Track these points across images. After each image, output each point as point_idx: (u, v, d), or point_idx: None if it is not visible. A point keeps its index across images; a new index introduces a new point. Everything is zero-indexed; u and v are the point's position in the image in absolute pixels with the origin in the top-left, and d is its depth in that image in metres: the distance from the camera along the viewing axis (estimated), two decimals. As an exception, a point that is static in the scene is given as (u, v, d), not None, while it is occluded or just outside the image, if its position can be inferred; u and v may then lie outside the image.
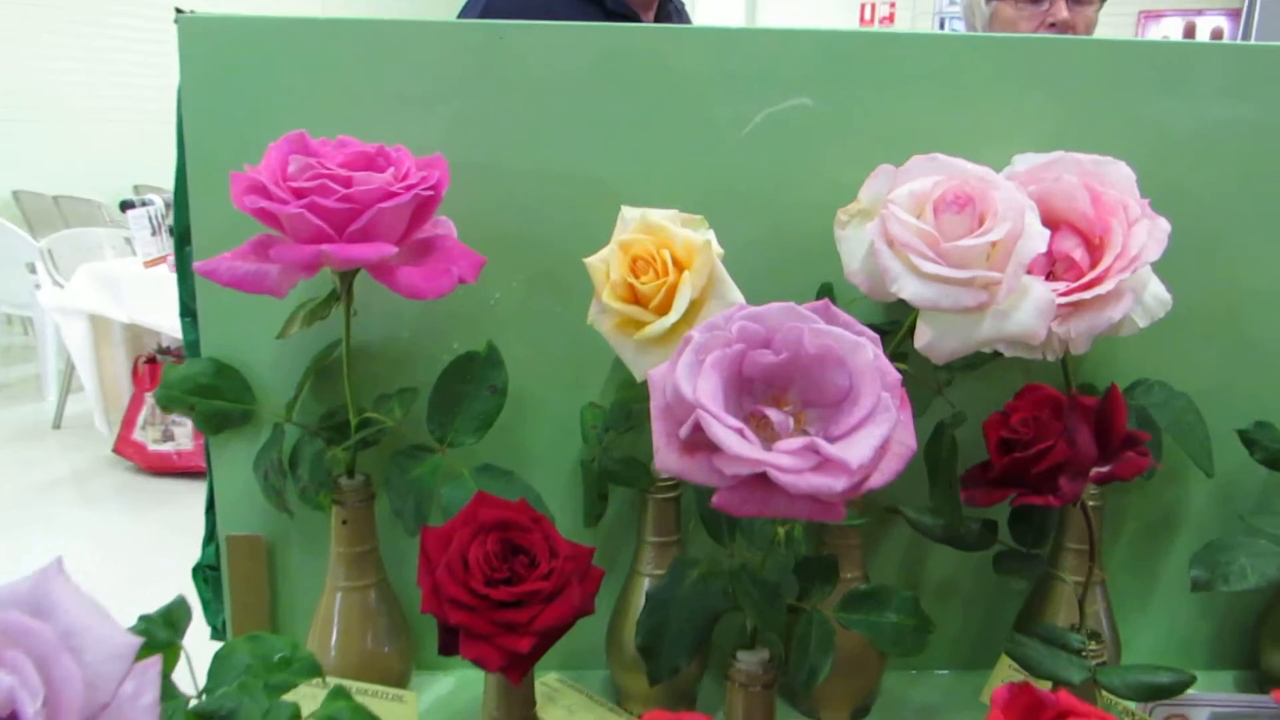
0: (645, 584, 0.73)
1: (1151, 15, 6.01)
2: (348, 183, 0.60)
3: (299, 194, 0.60)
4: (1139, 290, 0.69)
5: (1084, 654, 0.65)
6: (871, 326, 0.78)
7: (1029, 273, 0.69)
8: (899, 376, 0.52)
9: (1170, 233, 0.67)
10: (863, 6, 6.66)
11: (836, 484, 0.49)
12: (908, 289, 0.61)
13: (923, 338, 0.64)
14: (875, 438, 0.51)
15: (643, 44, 0.74)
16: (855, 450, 0.50)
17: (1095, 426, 0.62)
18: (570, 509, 0.77)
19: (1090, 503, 0.77)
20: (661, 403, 0.53)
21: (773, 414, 0.53)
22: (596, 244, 0.67)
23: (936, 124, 0.76)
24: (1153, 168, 0.70)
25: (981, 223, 0.62)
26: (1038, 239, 0.62)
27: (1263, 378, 0.80)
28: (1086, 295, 0.66)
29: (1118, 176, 0.69)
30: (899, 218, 0.62)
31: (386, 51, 0.73)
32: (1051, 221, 0.71)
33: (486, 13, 1.41)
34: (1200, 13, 5.61)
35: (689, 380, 0.52)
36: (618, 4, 1.39)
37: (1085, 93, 0.76)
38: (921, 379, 0.72)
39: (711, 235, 0.64)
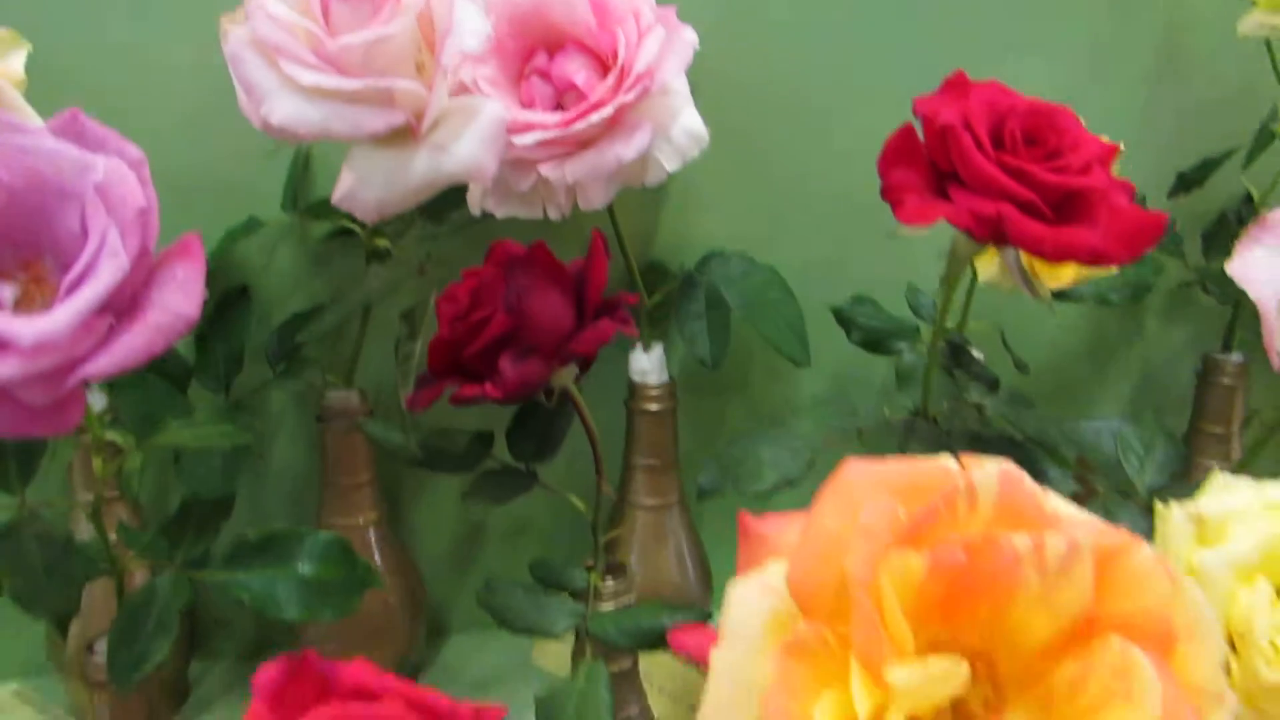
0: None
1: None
2: None
3: None
4: (664, 122, 0.53)
5: (601, 595, 0.49)
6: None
7: (530, 107, 0.53)
8: (144, 204, 0.34)
9: (694, 46, 0.51)
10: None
11: (-5, 371, 0.31)
12: (281, 109, 0.43)
13: (341, 186, 0.46)
14: (84, 300, 0.32)
15: None
16: (43, 320, 0.32)
17: (575, 294, 0.46)
18: None
19: (653, 406, 0.62)
20: None
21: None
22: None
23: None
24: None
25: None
26: (470, 34, 0.45)
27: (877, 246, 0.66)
28: (580, 125, 0.50)
29: (634, -25, 0.53)
30: (268, 11, 0.43)
31: None
32: (555, 40, 0.54)
33: None
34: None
35: None
36: None
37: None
38: (398, 254, 0.55)
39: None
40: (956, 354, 0.62)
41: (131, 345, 0.34)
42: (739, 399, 0.68)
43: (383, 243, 0.55)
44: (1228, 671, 0.31)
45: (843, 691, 0.25)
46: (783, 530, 0.30)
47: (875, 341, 0.62)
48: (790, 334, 0.60)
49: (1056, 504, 0.28)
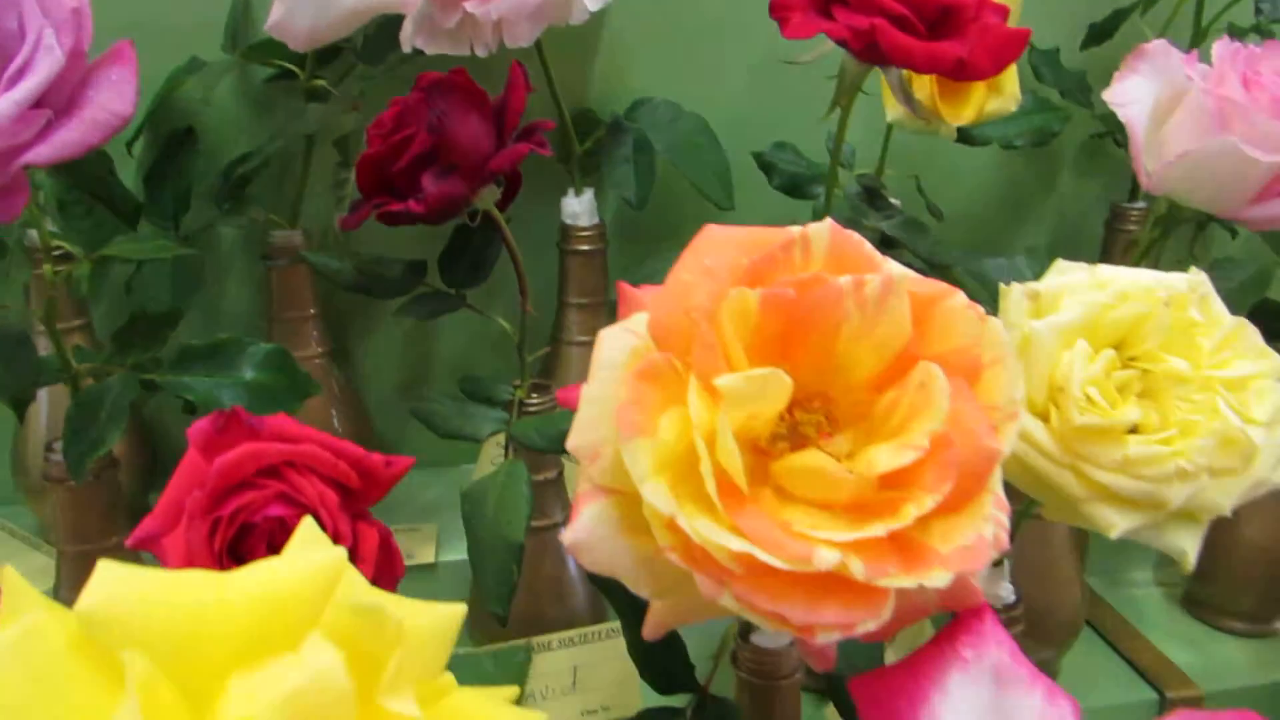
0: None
1: None
2: None
3: None
4: (587, -37, 0.55)
5: (526, 408, 0.53)
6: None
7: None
8: (76, 5, 0.37)
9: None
10: None
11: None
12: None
13: (274, 14, 0.49)
14: (23, 91, 0.35)
15: None
16: (-17, 108, 0.35)
17: (495, 120, 0.49)
18: None
19: (583, 247, 0.65)
20: None
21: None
22: None
23: None
24: None
25: None
26: None
27: (797, 98, 0.69)
28: (502, -38, 0.52)
29: None
30: None
31: None
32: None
33: None
34: None
35: None
36: None
37: None
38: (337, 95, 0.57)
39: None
40: (871, 196, 0.65)
41: (69, 138, 0.37)
42: (669, 245, 0.71)
43: (321, 83, 0.58)
44: (1047, 419, 0.36)
45: (685, 407, 0.29)
46: (652, 293, 0.33)
47: (795, 186, 0.65)
48: (714, 179, 0.63)
49: (891, 265, 0.32)
